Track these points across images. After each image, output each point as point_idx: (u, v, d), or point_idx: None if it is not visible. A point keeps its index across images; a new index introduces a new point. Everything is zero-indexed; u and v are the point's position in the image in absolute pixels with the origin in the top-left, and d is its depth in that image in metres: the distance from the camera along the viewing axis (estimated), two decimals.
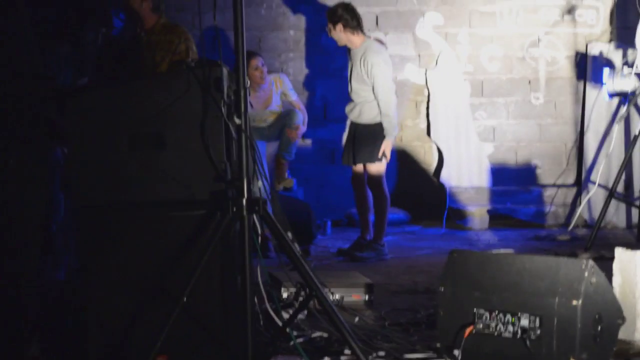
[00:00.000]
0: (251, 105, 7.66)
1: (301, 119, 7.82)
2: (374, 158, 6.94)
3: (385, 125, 6.87)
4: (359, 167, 7.08)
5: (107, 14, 5.86)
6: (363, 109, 6.99)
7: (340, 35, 6.93)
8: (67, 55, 5.51)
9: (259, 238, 3.80)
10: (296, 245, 3.89)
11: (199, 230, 3.69)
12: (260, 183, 3.85)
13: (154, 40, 6.18)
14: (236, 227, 3.62)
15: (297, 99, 7.98)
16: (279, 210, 4.21)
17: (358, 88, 6.96)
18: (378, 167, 6.99)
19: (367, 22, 9.10)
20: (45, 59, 5.21)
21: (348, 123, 7.35)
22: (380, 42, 7.17)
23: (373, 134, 6.94)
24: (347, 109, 7.14)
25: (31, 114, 3.76)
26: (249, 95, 7.33)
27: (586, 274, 3.64)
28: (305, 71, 9.18)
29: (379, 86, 6.84)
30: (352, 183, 7.20)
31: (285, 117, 7.82)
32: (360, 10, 9.02)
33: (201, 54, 6.07)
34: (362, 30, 6.97)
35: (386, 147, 6.91)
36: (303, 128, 7.91)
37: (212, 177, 3.70)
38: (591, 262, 3.69)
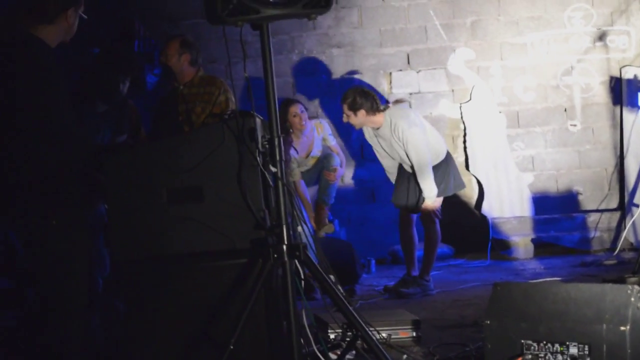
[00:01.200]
0: (296, 151, 7.75)
1: (338, 161, 7.88)
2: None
3: (422, 186, 6.87)
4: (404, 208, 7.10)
5: (133, 63, 5.97)
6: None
7: (362, 120, 6.89)
8: (105, 114, 5.61)
9: (302, 282, 3.82)
10: (339, 286, 3.91)
11: (241, 278, 3.73)
12: (300, 228, 3.88)
13: (194, 93, 6.32)
14: (279, 273, 3.66)
15: (335, 144, 8.06)
16: (320, 252, 4.23)
17: (403, 156, 6.98)
18: (433, 202, 6.99)
19: (398, 60, 9.20)
20: (84, 119, 5.31)
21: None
22: (397, 100, 7.20)
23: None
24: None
25: (73, 173, 3.83)
26: (293, 141, 7.45)
27: (632, 299, 3.64)
28: (340, 113, 9.24)
29: (412, 148, 6.83)
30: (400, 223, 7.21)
31: (322, 160, 7.89)
32: (391, 50, 9.18)
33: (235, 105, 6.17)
34: (379, 106, 6.93)
35: (427, 206, 6.95)
36: (341, 170, 7.97)
37: (252, 225, 3.75)
38: (637, 287, 3.68)
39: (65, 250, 3.80)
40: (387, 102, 7.13)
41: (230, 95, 6.22)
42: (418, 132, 6.84)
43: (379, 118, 6.90)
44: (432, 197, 6.88)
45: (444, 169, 7.03)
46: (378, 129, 6.96)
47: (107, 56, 5.97)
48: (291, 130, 7.65)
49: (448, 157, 7.11)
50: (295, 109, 7.72)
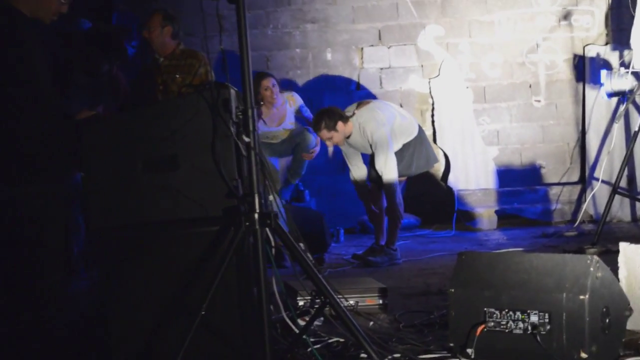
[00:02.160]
0: (264, 122, 7.78)
1: (314, 142, 7.91)
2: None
3: (383, 173, 6.99)
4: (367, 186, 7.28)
5: (122, 47, 5.99)
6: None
7: (342, 132, 6.98)
8: (83, 85, 5.63)
9: (273, 249, 3.87)
10: (309, 254, 3.97)
11: (214, 245, 3.76)
12: (271, 197, 3.94)
13: (174, 65, 6.36)
14: (250, 241, 3.72)
15: (308, 115, 8.08)
16: (291, 221, 4.29)
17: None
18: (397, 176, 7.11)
19: (370, 36, 9.25)
20: (63, 89, 5.32)
21: None
22: (364, 103, 7.27)
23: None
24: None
25: (49, 141, 3.86)
26: (263, 113, 7.48)
27: (592, 269, 3.68)
28: (313, 87, 9.30)
29: (380, 151, 6.96)
30: (359, 196, 7.35)
31: (297, 136, 7.91)
32: (364, 26, 9.24)
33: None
34: (347, 116, 7.05)
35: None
36: (317, 149, 8.01)
37: (225, 194, 3.79)
38: (596, 258, 3.73)
39: (41, 216, 3.83)
40: (353, 110, 7.16)
41: (210, 69, 6.27)
42: (385, 133, 6.96)
43: (349, 126, 7.00)
44: (389, 182, 7.01)
45: (415, 146, 7.14)
46: (349, 137, 7.04)
47: (97, 37, 5.99)
48: (262, 102, 7.69)
49: (420, 135, 7.20)
50: (267, 82, 7.75)
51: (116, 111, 5.73)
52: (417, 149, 7.16)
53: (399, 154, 7.09)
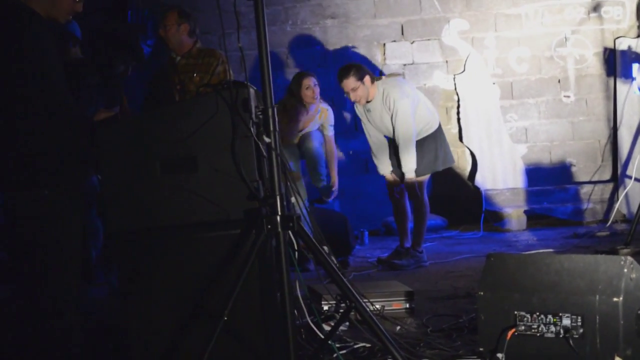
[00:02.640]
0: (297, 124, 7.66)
1: (325, 175, 7.83)
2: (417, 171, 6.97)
3: (402, 160, 6.91)
4: (391, 176, 7.11)
5: (138, 47, 5.96)
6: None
7: (369, 87, 6.88)
8: (99, 86, 5.59)
9: (296, 253, 3.83)
10: (333, 258, 3.91)
11: (235, 249, 3.73)
12: (293, 199, 3.89)
13: (192, 64, 6.31)
14: (272, 244, 3.67)
15: (331, 135, 7.88)
16: (314, 224, 4.24)
17: (390, 129, 6.98)
18: (420, 177, 7.02)
19: (392, 31, 9.17)
20: (78, 91, 5.29)
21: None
22: (394, 75, 7.16)
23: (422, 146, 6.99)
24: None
25: (64, 143, 3.82)
26: (302, 112, 7.38)
27: (625, 270, 3.65)
28: (334, 84, 9.23)
29: (400, 119, 6.84)
30: (388, 193, 7.21)
31: (310, 161, 7.82)
32: (385, 20, 9.16)
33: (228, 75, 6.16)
34: (375, 78, 7.00)
35: (408, 180, 6.97)
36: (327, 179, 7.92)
37: (245, 196, 3.74)
38: (630, 259, 3.69)
39: (58, 220, 3.79)
40: (380, 73, 7.11)
41: (229, 67, 6.22)
42: (408, 104, 6.84)
43: (374, 89, 6.90)
44: (410, 172, 6.90)
45: (435, 141, 7.03)
46: (369, 102, 6.94)
47: (113, 36, 5.95)
48: (304, 103, 7.55)
49: (440, 131, 7.09)
50: (309, 81, 7.61)
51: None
52: (438, 143, 7.03)
53: (419, 149, 6.94)
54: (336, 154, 7.97)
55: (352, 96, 6.94)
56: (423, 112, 6.98)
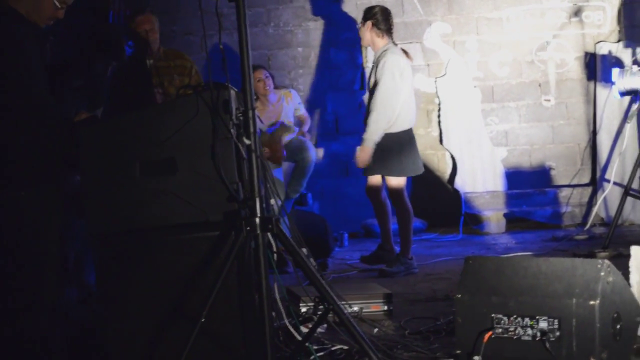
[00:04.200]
0: (260, 121, 7.68)
1: (313, 160, 7.83)
2: (394, 171, 6.87)
3: (369, 121, 6.77)
4: (375, 178, 6.94)
5: (120, 49, 5.93)
6: None
7: (366, 33, 6.92)
8: (81, 88, 5.57)
9: (275, 255, 3.83)
10: (312, 260, 3.91)
11: (214, 250, 3.73)
12: (272, 201, 3.89)
13: (164, 66, 6.29)
14: (251, 246, 3.66)
15: (305, 113, 8.01)
16: (293, 225, 4.24)
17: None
18: (398, 180, 6.90)
19: None
20: (61, 93, 5.26)
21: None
22: (405, 51, 7.07)
23: (390, 144, 6.82)
24: (365, 120, 6.96)
25: (44, 144, 3.80)
26: (258, 110, 7.37)
27: (602, 273, 3.66)
28: (316, 86, 9.23)
29: (382, 81, 6.74)
30: (367, 193, 7.09)
31: (296, 152, 7.79)
32: None
33: (208, 77, 6.14)
34: (390, 36, 6.94)
35: (360, 153, 6.81)
36: (314, 156, 7.92)
37: (225, 198, 3.74)
38: (607, 262, 3.70)
39: (35, 222, 3.78)
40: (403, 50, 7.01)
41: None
42: (395, 74, 6.75)
43: (379, 41, 6.92)
44: (369, 140, 6.74)
45: (405, 144, 6.89)
46: (374, 54, 6.98)
47: (96, 36, 5.92)
48: (256, 97, 7.60)
49: (412, 135, 6.98)
50: (259, 74, 7.65)
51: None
52: (407, 147, 6.92)
53: (397, 149, 6.87)
54: (309, 121, 8.10)
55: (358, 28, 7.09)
56: (407, 106, 6.89)
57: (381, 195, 7.00)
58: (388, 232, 7.06)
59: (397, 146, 6.82)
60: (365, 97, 8.79)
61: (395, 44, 6.95)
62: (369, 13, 6.94)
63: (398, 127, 6.84)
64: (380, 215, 7.08)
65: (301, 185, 7.82)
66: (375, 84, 6.81)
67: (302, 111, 7.98)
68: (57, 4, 3.90)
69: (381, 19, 6.90)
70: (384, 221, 7.06)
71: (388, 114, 6.74)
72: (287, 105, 7.85)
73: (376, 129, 6.73)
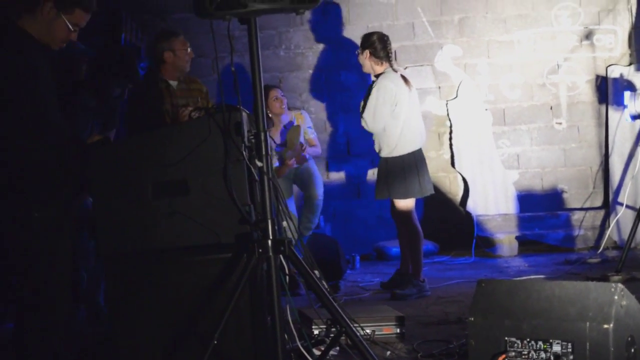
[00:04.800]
0: (273, 140, 7.66)
1: (321, 186, 7.84)
2: (399, 194, 6.87)
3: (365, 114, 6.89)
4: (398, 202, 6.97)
5: (134, 70, 5.93)
6: (381, 141, 6.96)
7: (365, 61, 6.98)
8: (95, 109, 5.58)
9: (287, 277, 3.82)
10: (324, 282, 3.90)
11: (226, 273, 3.73)
12: (285, 223, 3.88)
13: (184, 89, 6.33)
14: (263, 268, 3.66)
15: (314, 137, 8.00)
16: (305, 248, 4.23)
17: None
18: (404, 203, 6.90)
19: None
20: (74, 114, 5.29)
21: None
22: (404, 77, 7.11)
23: (394, 167, 6.86)
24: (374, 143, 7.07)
25: (57, 167, 3.81)
26: (270, 129, 7.39)
27: (616, 297, 3.64)
28: (327, 109, 9.25)
29: (366, 111, 6.84)
30: (392, 216, 7.10)
31: (302, 177, 7.83)
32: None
33: (221, 99, 6.16)
34: (389, 62, 6.98)
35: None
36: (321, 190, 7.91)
37: (237, 220, 3.74)
38: (620, 286, 3.68)
39: (47, 243, 3.78)
40: (401, 77, 7.05)
41: None
42: (385, 99, 6.80)
43: (378, 68, 6.97)
44: (367, 120, 6.87)
45: (410, 166, 6.88)
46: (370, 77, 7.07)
47: (110, 59, 5.92)
48: (270, 115, 7.62)
49: (418, 157, 6.97)
50: (275, 92, 7.71)
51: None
52: (417, 167, 6.92)
53: (399, 169, 6.90)
54: (319, 146, 8.07)
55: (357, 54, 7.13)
56: (411, 124, 6.91)
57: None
58: (408, 257, 7.06)
59: (400, 169, 6.86)
60: None
61: (395, 70, 7.01)
62: (367, 41, 6.99)
63: (400, 150, 6.88)
64: (402, 238, 7.10)
65: (312, 223, 7.82)
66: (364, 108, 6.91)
67: (312, 135, 7.97)
68: (69, 26, 3.91)
69: (379, 47, 6.94)
70: (406, 244, 7.08)
71: (372, 125, 6.87)
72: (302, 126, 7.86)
73: (372, 119, 6.87)
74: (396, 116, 6.84)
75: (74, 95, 5.42)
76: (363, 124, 6.90)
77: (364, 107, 6.93)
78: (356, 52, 7.10)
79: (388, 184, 6.88)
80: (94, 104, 5.57)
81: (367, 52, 6.95)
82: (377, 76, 6.94)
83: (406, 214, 6.91)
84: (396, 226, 7.11)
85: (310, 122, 8.00)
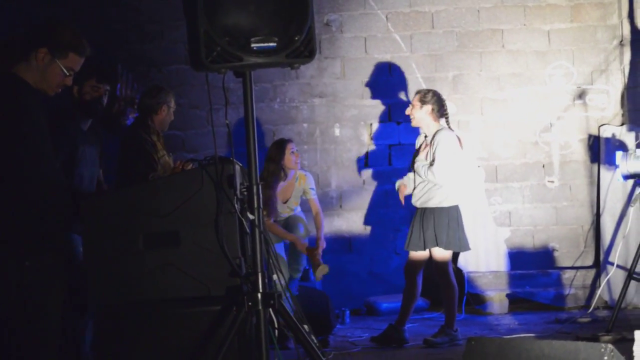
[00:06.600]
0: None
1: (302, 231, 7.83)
2: (440, 243, 6.98)
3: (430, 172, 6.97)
4: (418, 254, 7.10)
5: (124, 123, 6.00)
6: (431, 191, 7.05)
7: (424, 116, 7.09)
8: (87, 133, 5.61)
9: (276, 330, 3.80)
10: (313, 337, 3.88)
11: (215, 325, 3.71)
12: (275, 276, 3.87)
13: (161, 142, 6.37)
14: (252, 321, 3.64)
15: (315, 198, 7.96)
16: (295, 301, 4.22)
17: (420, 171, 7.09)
18: (443, 254, 7.03)
19: (379, 112, 9.24)
20: (67, 136, 5.29)
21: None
22: (458, 138, 7.26)
23: (440, 217, 7.00)
24: (414, 197, 7.17)
25: (50, 214, 3.81)
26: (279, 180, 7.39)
27: (606, 357, 3.60)
28: (320, 162, 9.26)
29: (437, 164, 6.94)
30: (405, 270, 7.20)
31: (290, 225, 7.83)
32: (373, 102, 9.22)
33: (213, 151, 6.18)
34: (446, 119, 7.20)
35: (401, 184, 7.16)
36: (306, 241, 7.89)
37: (227, 272, 3.73)
38: (610, 346, 3.65)
39: (39, 292, 3.76)
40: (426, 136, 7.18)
41: None
42: (451, 156, 6.98)
43: (434, 125, 7.09)
44: (434, 172, 6.95)
45: (454, 219, 7.06)
46: (425, 137, 7.15)
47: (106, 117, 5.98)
48: (284, 168, 7.60)
49: (459, 212, 7.15)
50: (292, 146, 7.71)
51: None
52: (457, 222, 7.11)
53: (454, 222, 7.04)
54: (322, 216, 7.98)
55: (408, 110, 7.21)
56: (458, 180, 7.10)
57: (418, 277, 7.10)
58: (408, 314, 7.09)
59: (446, 220, 7.02)
60: (369, 173, 8.85)
61: (452, 130, 7.21)
62: (428, 98, 7.12)
63: (451, 202, 7.08)
64: (408, 296, 7.16)
65: (301, 265, 7.80)
66: (433, 160, 7.01)
67: (313, 196, 7.91)
68: (64, 70, 3.94)
69: (438, 103, 7.14)
70: (409, 303, 7.12)
71: (441, 179, 6.97)
72: (298, 187, 7.81)
73: (434, 178, 6.97)
74: (456, 167, 7.07)
75: (70, 117, 5.44)
76: (430, 176, 6.98)
77: (413, 162, 7.14)
78: (407, 112, 7.22)
79: (429, 234, 7.01)
80: (87, 125, 5.56)
81: (429, 108, 7.09)
82: (436, 131, 7.08)
83: (444, 265, 7.06)
84: (406, 280, 7.17)
85: (313, 184, 7.93)
